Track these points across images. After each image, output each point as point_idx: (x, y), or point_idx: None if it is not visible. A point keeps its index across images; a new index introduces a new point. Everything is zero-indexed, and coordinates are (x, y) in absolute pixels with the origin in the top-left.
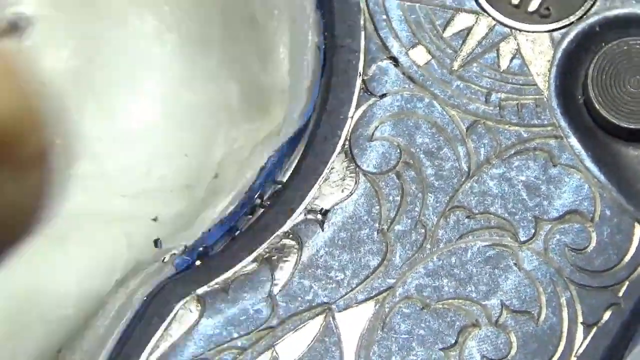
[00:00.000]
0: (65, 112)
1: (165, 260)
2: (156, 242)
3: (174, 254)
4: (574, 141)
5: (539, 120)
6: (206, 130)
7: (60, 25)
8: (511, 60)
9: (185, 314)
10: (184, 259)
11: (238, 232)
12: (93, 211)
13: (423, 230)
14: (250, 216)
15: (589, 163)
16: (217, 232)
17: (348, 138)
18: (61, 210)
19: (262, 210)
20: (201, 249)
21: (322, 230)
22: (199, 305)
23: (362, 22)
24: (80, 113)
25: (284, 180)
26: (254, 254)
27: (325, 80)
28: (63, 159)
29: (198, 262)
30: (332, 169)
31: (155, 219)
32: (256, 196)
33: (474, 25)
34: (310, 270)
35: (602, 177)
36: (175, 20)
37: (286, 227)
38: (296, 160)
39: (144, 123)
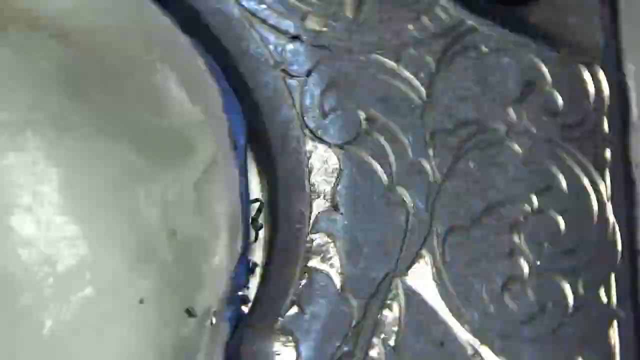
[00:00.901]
0: None
1: (214, 322)
2: (189, 311)
3: (215, 311)
4: None
5: None
6: (130, 196)
7: None
8: None
9: (282, 352)
10: (232, 309)
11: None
12: None
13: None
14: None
15: None
16: (241, 269)
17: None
18: None
19: (261, 228)
20: (238, 292)
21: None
22: (288, 337)
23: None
24: None
25: (259, 197)
26: (299, 266)
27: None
28: None
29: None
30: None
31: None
32: (249, 223)
33: None
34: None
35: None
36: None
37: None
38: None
39: None
